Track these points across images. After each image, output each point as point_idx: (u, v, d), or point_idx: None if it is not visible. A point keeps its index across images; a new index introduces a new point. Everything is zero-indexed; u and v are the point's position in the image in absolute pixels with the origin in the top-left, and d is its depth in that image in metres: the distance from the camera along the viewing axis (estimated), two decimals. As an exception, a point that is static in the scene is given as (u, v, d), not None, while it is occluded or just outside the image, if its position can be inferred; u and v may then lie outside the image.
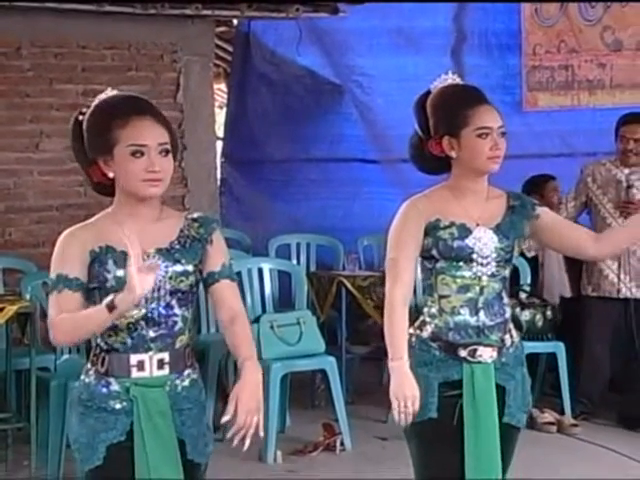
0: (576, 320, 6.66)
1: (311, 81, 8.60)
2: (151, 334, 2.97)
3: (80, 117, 3.01)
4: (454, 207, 3.38)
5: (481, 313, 3.35)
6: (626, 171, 6.44)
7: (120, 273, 2.90)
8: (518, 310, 6.59)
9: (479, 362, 3.33)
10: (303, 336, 6.01)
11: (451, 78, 3.49)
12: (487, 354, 3.34)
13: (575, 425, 6.39)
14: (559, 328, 6.71)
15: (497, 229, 3.37)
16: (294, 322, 6.03)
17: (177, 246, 2.99)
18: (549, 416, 6.45)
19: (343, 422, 5.98)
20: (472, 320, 3.34)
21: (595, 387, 6.65)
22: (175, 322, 3.00)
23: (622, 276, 6.36)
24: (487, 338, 3.34)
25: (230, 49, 8.98)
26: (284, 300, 6.80)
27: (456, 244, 3.33)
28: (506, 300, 3.43)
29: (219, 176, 8.25)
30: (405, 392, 3.21)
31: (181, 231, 3.02)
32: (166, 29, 7.21)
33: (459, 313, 3.35)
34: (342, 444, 5.92)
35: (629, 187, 6.38)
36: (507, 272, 3.42)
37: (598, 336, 6.55)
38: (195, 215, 3.08)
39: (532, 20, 8.58)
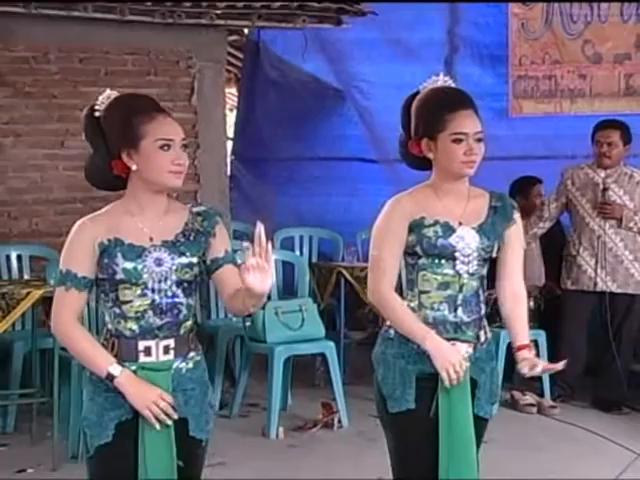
0: (556, 311, 6.65)
1: (315, 86, 8.58)
2: (158, 322, 2.93)
3: (96, 114, 2.95)
4: (437, 206, 3.23)
5: (459, 310, 3.21)
6: (602, 174, 6.43)
7: (129, 265, 2.88)
8: (503, 301, 6.57)
9: None
10: (305, 322, 6.01)
11: (442, 80, 3.32)
12: (463, 349, 3.19)
13: (554, 407, 6.41)
14: (540, 317, 6.71)
15: (479, 229, 3.23)
16: (297, 309, 6.03)
17: (182, 239, 2.96)
18: (530, 398, 6.46)
19: (341, 401, 5.98)
20: (450, 316, 3.20)
21: (572, 372, 6.62)
22: (180, 310, 2.97)
23: (599, 271, 6.36)
24: (464, 334, 3.21)
25: (241, 56, 8.96)
26: (288, 288, 6.80)
27: (440, 242, 3.18)
28: (482, 297, 3.28)
29: (229, 173, 8.23)
30: (450, 360, 3.09)
31: (186, 224, 2.99)
32: (182, 37, 7.18)
33: (438, 309, 3.20)
34: (339, 422, 5.93)
35: (605, 189, 6.37)
36: (485, 271, 3.27)
37: (576, 326, 6.56)
38: (199, 209, 3.03)
39: (519, 34, 8.57)
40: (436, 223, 3.20)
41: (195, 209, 3.02)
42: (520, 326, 3.33)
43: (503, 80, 8.63)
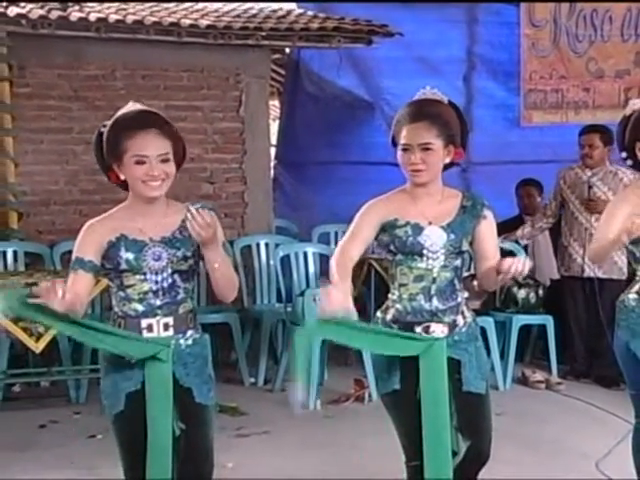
0: (560, 297, 6.64)
1: (348, 99, 8.57)
2: (158, 302, 2.99)
3: (102, 129, 3.04)
4: (411, 208, 3.19)
5: (434, 299, 3.17)
6: (589, 173, 6.46)
7: (130, 256, 2.96)
8: (515, 289, 6.56)
9: (432, 337, 3.15)
10: (339, 308, 5.99)
11: (429, 92, 3.24)
12: (439, 329, 3.16)
13: (560, 383, 6.39)
14: (548, 304, 6.67)
15: (447, 227, 3.17)
16: (332, 296, 6.01)
17: (178, 235, 3.01)
18: (539, 376, 6.44)
19: (371, 378, 5.97)
20: (426, 305, 3.17)
21: (576, 352, 6.62)
22: (178, 292, 3.02)
23: (586, 259, 6.33)
24: (440, 320, 3.17)
25: (283, 72, 8.97)
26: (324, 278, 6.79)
27: (409, 241, 3.15)
28: (458, 286, 3.22)
29: (272, 175, 8.25)
30: (325, 307, 3.03)
31: (182, 221, 3.00)
32: (231, 56, 7.22)
33: (415, 299, 3.17)
34: (370, 396, 5.93)
35: (590, 187, 6.38)
36: (459, 262, 3.21)
37: (574, 309, 6.58)
38: (196, 206, 3.01)
39: (529, 52, 8.54)
40: (407, 224, 3.17)
41: (191, 207, 3.03)
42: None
43: (515, 93, 8.61)
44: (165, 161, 2.96)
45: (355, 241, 3.22)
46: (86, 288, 2.98)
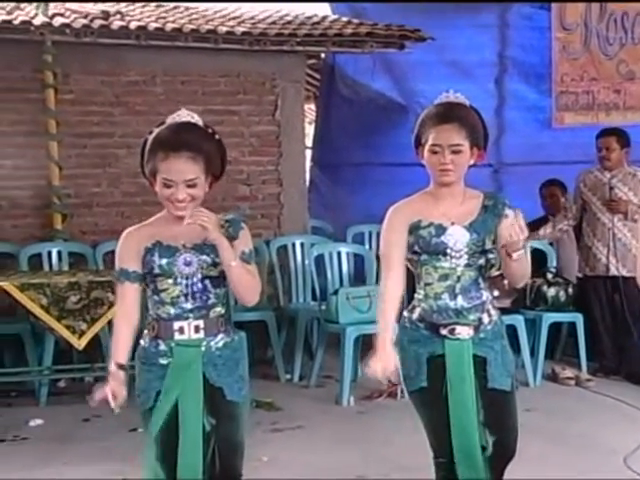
0: (586, 295, 6.63)
1: (382, 102, 8.60)
2: (189, 306, 3.04)
3: (147, 136, 3.06)
4: (433, 209, 3.19)
5: (459, 298, 3.16)
6: (608, 175, 6.46)
7: (163, 262, 3.03)
8: (545, 287, 6.57)
9: (457, 339, 3.15)
10: (372, 306, 6.01)
11: (452, 96, 3.22)
12: (465, 332, 3.15)
13: (590, 380, 6.37)
14: (578, 302, 6.66)
15: (470, 226, 3.17)
16: (365, 294, 6.05)
17: (208, 242, 3.02)
18: (569, 372, 6.43)
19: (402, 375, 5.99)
20: (451, 304, 3.16)
21: (604, 349, 6.60)
22: (209, 297, 3.06)
23: (610, 258, 6.37)
24: (465, 318, 3.16)
25: (318, 77, 9.02)
26: (357, 277, 6.84)
27: (433, 241, 3.15)
28: (483, 285, 3.21)
29: (308, 177, 8.30)
30: (381, 365, 3.05)
31: None
32: (267, 61, 7.28)
33: (440, 298, 3.16)
34: (402, 392, 5.91)
35: (611, 188, 6.38)
36: (482, 261, 3.18)
37: (599, 307, 6.56)
38: (228, 217, 3.06)
39: (561, 55, 8.52)
40: (430, 225, 3.17)
41: (224, 217, 3.07)
42: None
43: (547, 95, 8.60)
44: (192, 186, 2.98)
45: (393, 269, 3.18)
46: (136, 298, 3.06)
